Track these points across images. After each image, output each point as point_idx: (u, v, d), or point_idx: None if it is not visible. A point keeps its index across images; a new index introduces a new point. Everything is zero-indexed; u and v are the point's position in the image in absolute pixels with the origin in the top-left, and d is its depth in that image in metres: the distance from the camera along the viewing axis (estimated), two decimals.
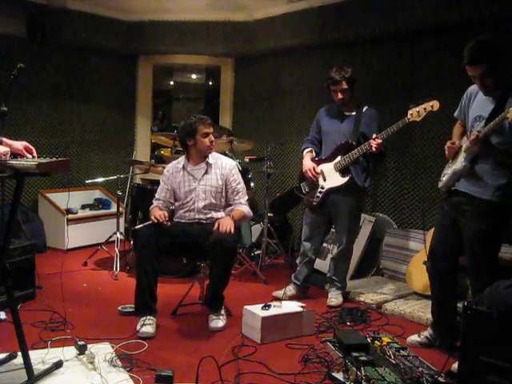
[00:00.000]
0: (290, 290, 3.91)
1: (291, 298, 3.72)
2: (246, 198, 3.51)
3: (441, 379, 2.49)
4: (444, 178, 2.87)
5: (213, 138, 3.41)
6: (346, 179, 3.63)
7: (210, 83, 7.06)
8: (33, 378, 2.32)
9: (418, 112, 3.28)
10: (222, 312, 3.29)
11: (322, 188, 3.72)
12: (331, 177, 3.69)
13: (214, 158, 3.49)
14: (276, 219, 5.24)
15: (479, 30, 4.06)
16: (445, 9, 4.08)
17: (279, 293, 3.83)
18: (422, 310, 3.53)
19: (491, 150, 2.62)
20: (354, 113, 3.71)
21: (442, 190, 2.93)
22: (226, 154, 4.73)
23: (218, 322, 3.20)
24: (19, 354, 2.36)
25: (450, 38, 4.24)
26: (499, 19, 3.88)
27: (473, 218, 2.68)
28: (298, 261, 4.03)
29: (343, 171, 3.64)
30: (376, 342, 2.88)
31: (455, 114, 2.97)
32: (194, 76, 7.20)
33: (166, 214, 3.27)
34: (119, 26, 5.80)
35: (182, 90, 7.29)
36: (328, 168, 3.71)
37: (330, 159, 3.71)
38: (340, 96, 3.63)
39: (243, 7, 5.47)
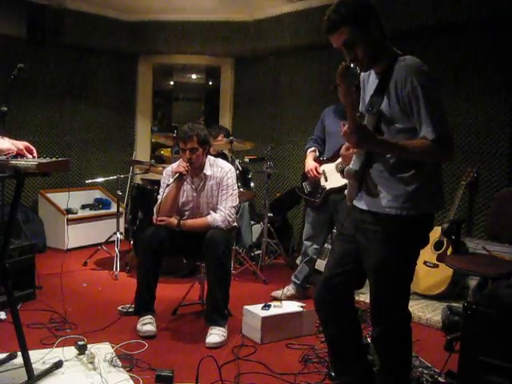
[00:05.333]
0: (290, 289, 3.90)
1: (290, 298, 3.71)
2: (230, 204, 3.26)
3: (441, 379, 2.49)
4: (346, 192, 2.19)
5: (189, 155, 3.19)
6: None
7: (210, 83, 7.05)
8: (33, 378, 2.32)
9: None
10: (225, 326, 3.06)
11: (324, 188, 3.72)
12: (333, 177, 3.69)
13: (212, 165, 3.34)
14: (276, 219, 5.24)
15: (480, 29, 4.09)
16: (446, 9, 4.08)
17: (278, 293, 3.84)
18: (421, 310, 3.53)
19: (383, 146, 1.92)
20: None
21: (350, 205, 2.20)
22: (224, 155, 4.73)
23: (215, 337, 2.95)
24: (19, 353, 2.36)
25: (452, 37, 4.24)
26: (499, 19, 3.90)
27: (376, 239, 1.98)
28: (298, 260, 4.03)
29: None
30: None
31: None
32: (193, 76, 7.19)
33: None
34: (119, 25, 5.81)
35: (182, 89, 7.29)
36: (330, 168, 3.70)
37: (332, 159, 3.71)
38: None
39: (243, 7, 5.47)
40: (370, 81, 2.09)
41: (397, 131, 1.93)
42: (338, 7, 1.90)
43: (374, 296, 2.07)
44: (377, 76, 2.03)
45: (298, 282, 3.91)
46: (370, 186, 2.02)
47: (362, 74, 2.13)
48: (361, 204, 2.07)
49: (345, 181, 3.57)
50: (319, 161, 3.79)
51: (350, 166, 2.06)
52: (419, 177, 1.93)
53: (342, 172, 3.63)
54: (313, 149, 3.86)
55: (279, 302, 3.25)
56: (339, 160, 3.64)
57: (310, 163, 3.78)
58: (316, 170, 3.73)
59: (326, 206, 3.75)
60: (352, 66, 1.85)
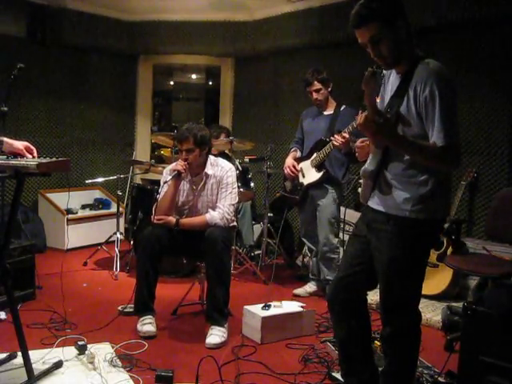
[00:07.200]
0: (311, 286, 3.98)
1: (313, 295, 3.89)
2: (229, 202, 3.26)
3: (441, 379, 2.49)
4: (360, 189, 2.19)
5: (185, 156, 3.20)
6: (320, 174, 3.75)
7: (210, 83, 7.05)
8: (33, 378, 2.32)
9: None
10: (225, 326, 3.06)
11: (302, 184, 3.88)
12: (309, 173, 3.83)
13: (213, 165, 3.34)
14: (276, 219, 5.23)
15: (478, 28, 4.09)
16: (445, 8, 4.08)
17: (300, 290, 3.93)
18: (421, 310, 3.51)
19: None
20: (331, 112, 3.83)
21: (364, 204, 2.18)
22: (226, 155, 4.73)
23: (215, 337, 2.94)
24: (19, 353, 2.36)
25: (451, 36, 4.25)
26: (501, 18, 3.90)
27: (387, 239, 1.99)
28: (298, 260, 4.04)
29: (319, 167, 3.76)
30: (376, 342, 2.88)
31: None
32: (194, 76, 7.19)
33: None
34: (119, 25, 5.81)
35: (182, 89, 7.29)
36: (306, 165, 3.85)
37: (307, 157, 3.86)
38: (315, 96, 3.79)
39: (243, 7, 5.47)
40: (390, 80, 2.07)
41: (412, 135, 1.93)
42: (368, 2, 1.89)
43: (384, 296, 2.06)
44: (398, 76, 2.02)
45: (317, 278, 3.96)
46: (383, 186, 2.02)
47: (384, 71, 2.13)
48: (373, 203, 2.07)
49: (319, 175, 3.73)
50: (298, 159, 3.94)
51: (366, 165, 2.08)
52: (431, 181, 1.93)
53: (316, 167, 3.77)
54: (294, 149, 4.05)
55: (279, 301, 3.25)
56: (314, 156, 3.79)
57: (287, 161, 3.97)
58: (294, 167, 3.88)
59: (308, 202, 3.89)
60: (378, 71, 1.87)
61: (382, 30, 1.89)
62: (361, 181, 2.19)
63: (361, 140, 2.15)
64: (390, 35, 1.90)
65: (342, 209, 3.93)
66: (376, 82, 1.90)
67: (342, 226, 4.12)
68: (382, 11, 1.88)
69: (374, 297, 3.82)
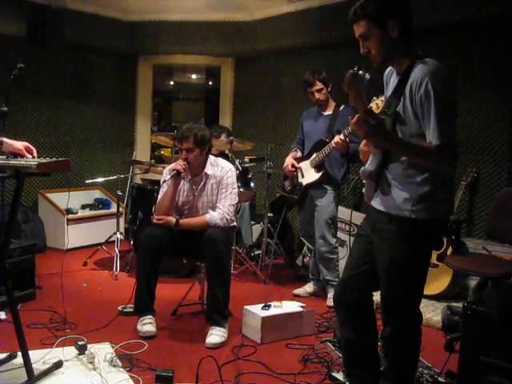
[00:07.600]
0: (310, 286, 3.99)
1: (313, 294, 3.91)
2: (229, 203, 3.26)
3: (441, 379, 2.49)
4: (364, 190, 2.20)
5: (184, 155, 3.21)
6: (319, 174, 3.76)
7: (210, 83, 7.05)
8: (33, 378, 2.32)
9: (377, 104, 3.24)
10: (225, 326, 3.06)
11: (301, 184, 3.90)
12: (308, 173, 3.85)
13: (213, 165, 3.34)
14: (276, 219, 5.24)
15: (478, 28, 4.09)
16: (444, 9, 4.08)
17: (300, 290, 3.94)
18: (421, 310, 3.52)
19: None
20: (331, 112, 3.84)
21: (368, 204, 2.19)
22: (226, 155, 4.73)
23: (215, 337, 2.95)
24: (19, 353, 2.36)
25: (451, 37, 4.25)
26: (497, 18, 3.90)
27: (389, 239, 1.99)
28: (298, 260, 4.04)
29: (318, 167, 3.78)
30: None
31: None
32: (194, 76, 7.19)
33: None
34: (119, 25, 5.81)
35: (182, 89, 7.29)
36: (306, 165, 3.87)
37: (307, 157, 3.88)
38: (316, 96, 3.79)
39: (243, 7, 5.47)
40: (391, 81, 2.09)
41: (410, 135, 1.93)
42: (366, 1, 1.94)
43: (385, 296, 2.06)
44: (397, 77, 2.03)
45: (316, 278, 3.97)
46: (384, 187, 2.02)
47: (386, 72, 2.15)
48: (376, 204, 2.07)
49: (318, 175, 3.74)
50: (297, 159, 3.96)
51: (366, 166, 2.07)
52: (432, 181, 1.92)
53: (315, 167, 3.79)
54: (294, 149, 4.08)
55: (279, 301, 3.25)
56: (313, 156, 3.81)
57: (287, 160, 4.00)
58: (293, 165, 3.91)
59: (307, 202, 3.90)
60: (360, 72, 1.88)
61: (369, 28, 1.93)
62: (364, 181, 2.19)
63: (364, 143, 2.13)
64: (378, 34, 1.92)
65: (348, 210, 3.94)
66: (360, 83, 1.90)
67: (341, 226, 4.13)
68: (372, 11, 1.91)
69: (374, 297, 3.82)
